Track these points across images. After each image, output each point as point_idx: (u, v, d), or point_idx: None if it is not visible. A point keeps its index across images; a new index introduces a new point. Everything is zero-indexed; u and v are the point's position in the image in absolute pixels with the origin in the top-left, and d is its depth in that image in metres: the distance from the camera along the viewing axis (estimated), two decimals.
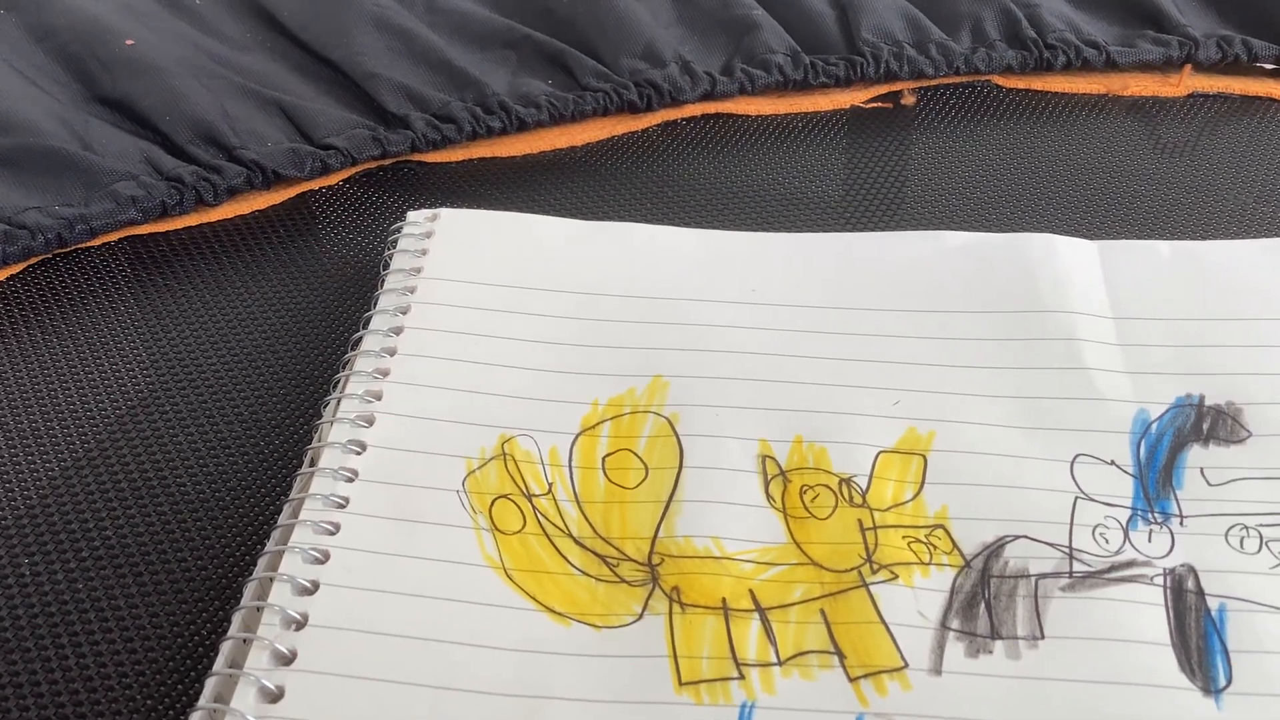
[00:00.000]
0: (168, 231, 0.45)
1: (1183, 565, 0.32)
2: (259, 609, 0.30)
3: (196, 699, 0.29)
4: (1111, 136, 0.50)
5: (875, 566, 0.32)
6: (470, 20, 0.54)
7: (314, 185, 0.47)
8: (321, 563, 0.31)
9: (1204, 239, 0.44)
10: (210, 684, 0.29)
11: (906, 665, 0.30)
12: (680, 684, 0.29)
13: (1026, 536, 0.33)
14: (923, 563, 0.32)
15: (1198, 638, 0.30)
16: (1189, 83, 0.52)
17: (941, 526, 0.33)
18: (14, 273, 0.43)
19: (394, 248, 0.42)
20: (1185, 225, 0.45)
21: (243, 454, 0.37)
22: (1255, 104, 0.52)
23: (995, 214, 0.46)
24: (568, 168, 0.49)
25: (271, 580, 0.31)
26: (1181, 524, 0.33)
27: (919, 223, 0.46)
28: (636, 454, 0.35)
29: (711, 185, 0.48)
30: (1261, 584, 0.31)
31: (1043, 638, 0.30)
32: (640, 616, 0.31)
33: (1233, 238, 0.44)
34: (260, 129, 0.48)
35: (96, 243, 0.44)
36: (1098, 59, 0.52)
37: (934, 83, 0.53)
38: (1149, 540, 0.33)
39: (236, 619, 0.31)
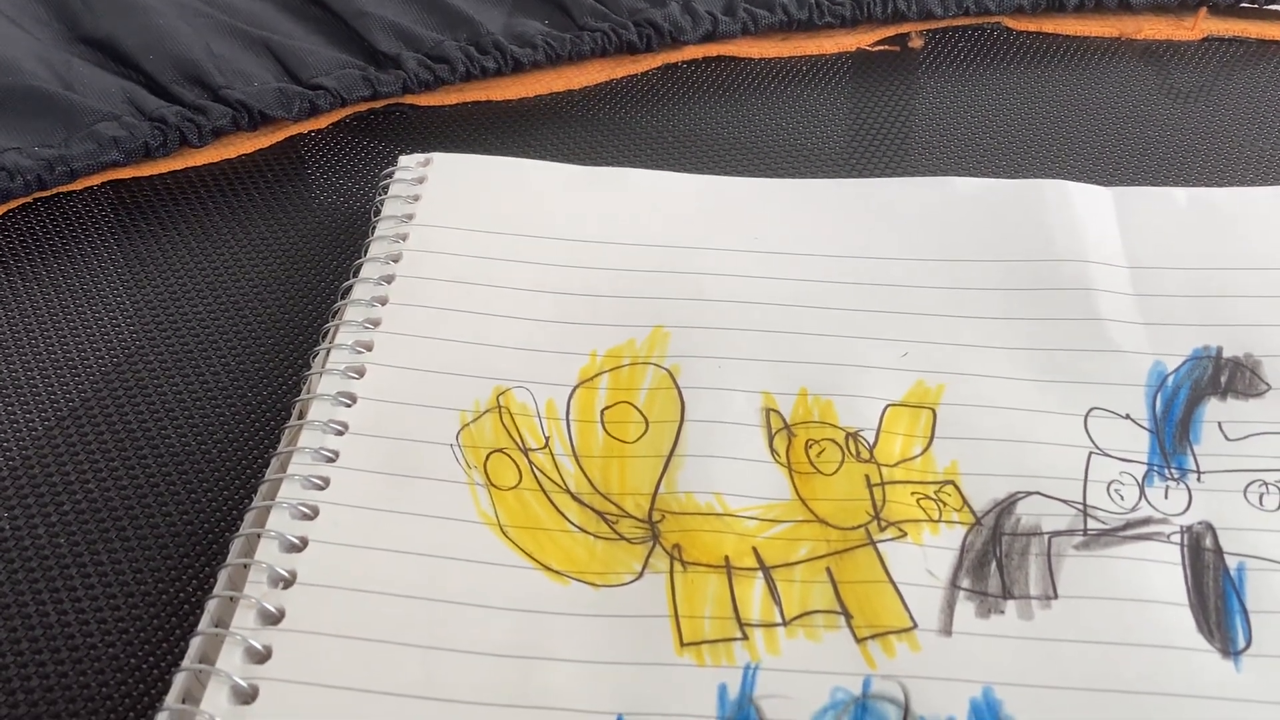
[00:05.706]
0: (151, 176, 0.44)
1: (1200, 523, 0.31)
2: (245, 566, 0.29)
3: (181, 658, 0.28)
4: (1124, 81, 0.49)
5: (883, 524, 0.31)
6: None
7: (302, 129, 0.46)
8: (310, 519, 0.31)
9: (1218, 186, 0.43)
10: (195, 644, 0.28)
11: (915, 626, 0.29)
12: (682, 645, 0.28)
13: (1039, 493, 0.32)
14: (932, 520, 0.31)
15: (1216, 598, 0.29)
16: (1204, 26, 0.51)
17: (951, 482, 0.32)
18: None
19: (385, 194, 0.41)
20: (1199, 172, 0.44)
21: (229, 406, 0.36)
22: (1271, 48, 0.51)
23: (1003, 161, 0.45)
24: (565, 112, 0.48)
25: (258, 536, 0.30)
26: (1199, 480, 0.32)
27: (925, 170, 0.45)
28: (636, 407, 0.34)
29: (713, 130, 0.47)
30: None
31: (1056, 597, 0.29)
32: (640, 575, 0.30)
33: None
34: (247, 69, 0.46)
35: (78, 186, 0.43)
36: None
37: (942, 24, 0.51)
38: (1165, 497, 0.32)
39: (222, 577, 0.30)
